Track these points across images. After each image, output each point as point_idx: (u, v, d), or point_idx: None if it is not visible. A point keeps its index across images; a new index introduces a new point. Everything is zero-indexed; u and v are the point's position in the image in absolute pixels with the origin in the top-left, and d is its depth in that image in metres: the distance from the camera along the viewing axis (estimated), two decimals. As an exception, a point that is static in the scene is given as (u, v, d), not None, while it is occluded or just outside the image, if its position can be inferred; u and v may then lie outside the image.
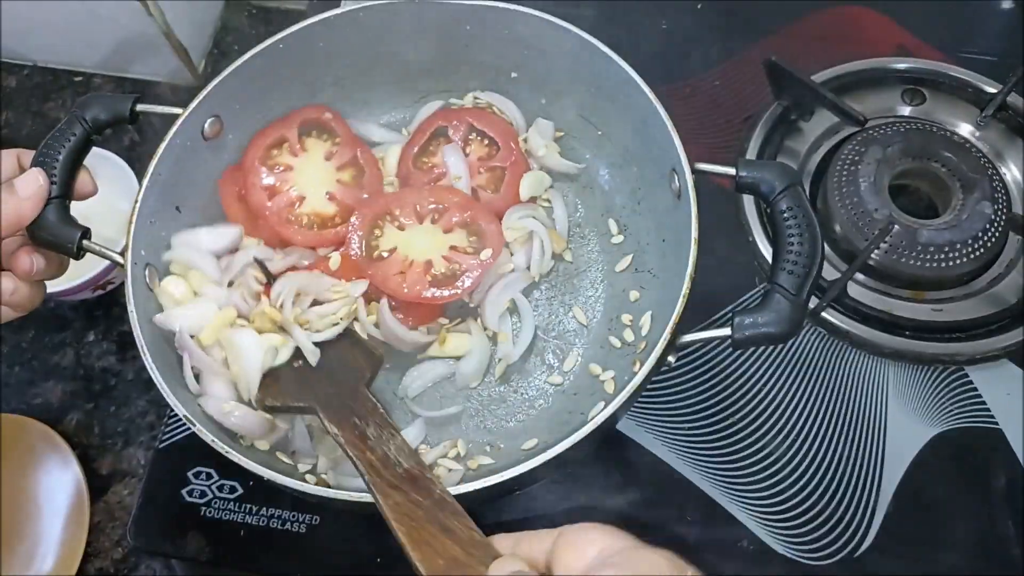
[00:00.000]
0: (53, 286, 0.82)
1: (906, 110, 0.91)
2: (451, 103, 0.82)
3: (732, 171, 0.61)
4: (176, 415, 0.57)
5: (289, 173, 0.75)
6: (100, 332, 0.91)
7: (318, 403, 0.60)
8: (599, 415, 0.57)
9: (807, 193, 0.86)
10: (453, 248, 0.73)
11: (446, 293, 0.71)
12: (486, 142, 0.79)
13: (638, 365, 0.62)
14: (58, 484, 0.81)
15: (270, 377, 0.64)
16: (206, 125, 0.70)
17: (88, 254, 0.63)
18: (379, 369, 0.66)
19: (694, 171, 0.63)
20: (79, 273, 0.82)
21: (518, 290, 0.75)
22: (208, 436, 0.55)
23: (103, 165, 0.87)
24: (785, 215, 0.59)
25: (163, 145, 0.66)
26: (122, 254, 0.63)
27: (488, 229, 0.74)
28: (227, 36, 1.08)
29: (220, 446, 0.55)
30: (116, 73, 1.07)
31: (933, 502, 0.74)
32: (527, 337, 0.74)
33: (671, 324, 0.58)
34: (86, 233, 0.62)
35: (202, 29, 1.06)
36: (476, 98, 0.81)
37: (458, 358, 0.73)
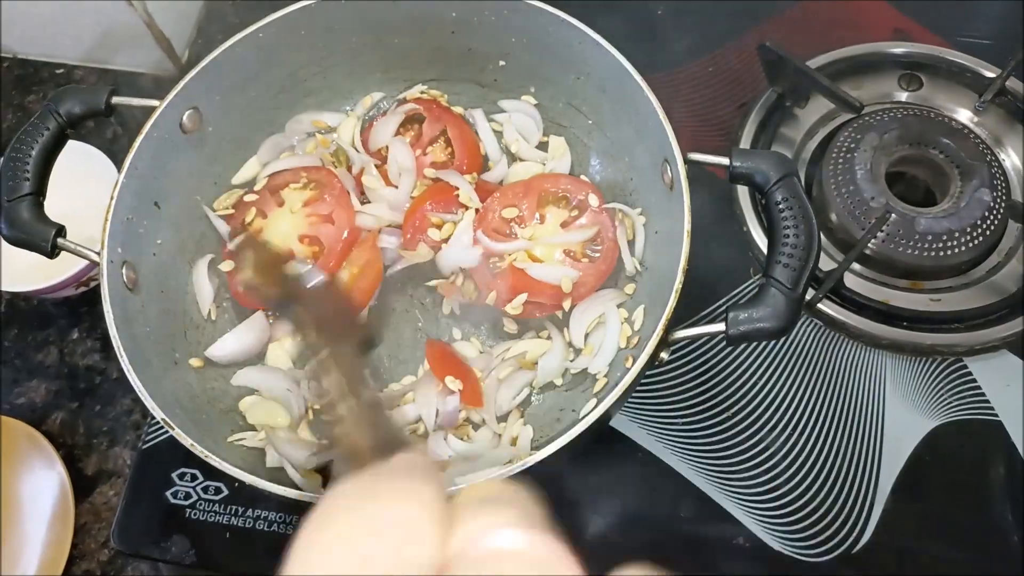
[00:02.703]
0: (36, 283, 0.80)
1: (903, 96, 0.89)
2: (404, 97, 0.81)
3: (726, 161, 0.60)
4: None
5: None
6: (84, 330, 0.89)
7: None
8: (590, 414, 0.56)
9: (803, 182, 0.84)
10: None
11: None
12: (449, 150, 0.79)
13: (630, 361, 0.61)
14: (42, 485, 0.80)
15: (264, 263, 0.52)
16: (184, 118, 0.68)
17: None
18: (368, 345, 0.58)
19: (687, 161, 0.61)
20: (61, 270, 0.80)
21: (614, 303, 0.71)
22: (187, 440, 0.54)
23: (84, 159, 0.86)
24: (780, 206, 0.57)
25: (139, 139, 0.64)
26: (99, 253, 0.61)
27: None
28: (211, 25, 1.06)
29: (200, 450, 0.53)
30: (98, 65, 1.05)
31: (932, 496, 0.72)
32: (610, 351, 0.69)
33: (663, 320, 0.56)
34: (61, 231, 0.61)
35: (185, 18, 1.04)
36: (422, 92, 0.80)
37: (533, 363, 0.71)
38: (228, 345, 0.71)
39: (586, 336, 0.70)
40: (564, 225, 0.73)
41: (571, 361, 0.70)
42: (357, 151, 0.79)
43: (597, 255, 0.72)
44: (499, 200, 0.74)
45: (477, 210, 0.74)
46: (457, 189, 0.74)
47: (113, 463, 0.83)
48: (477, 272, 0.71)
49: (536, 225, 0.73)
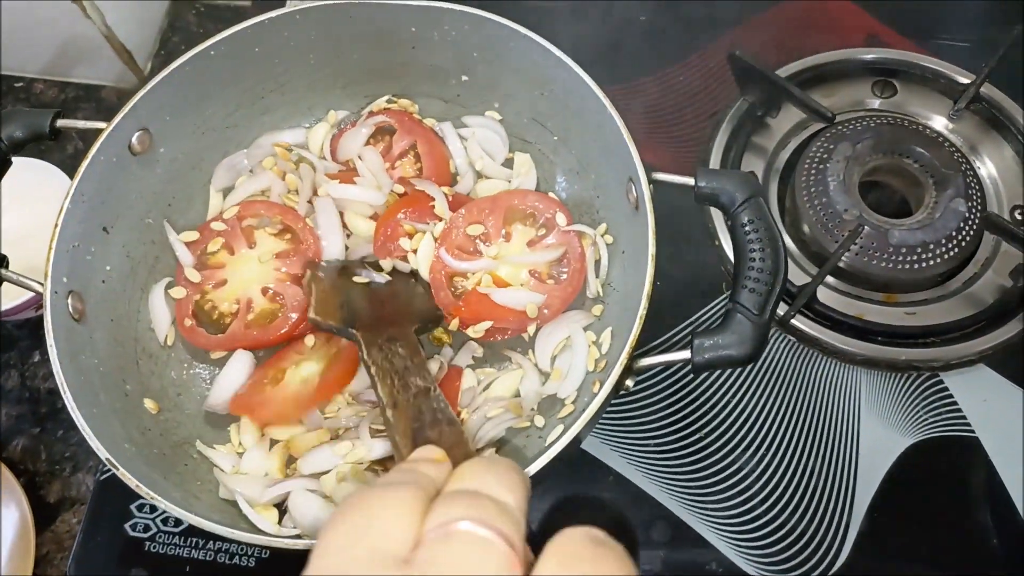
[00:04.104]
0: (-4, 305, 0.78)
1: (876, 103, 0.88)
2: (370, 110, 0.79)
3: (691, 181, 0.58)
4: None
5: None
6: (46, 352, 0.87)
7: (360, 324, 0.63)
8: (557, 442, 0.54)
9: (775, 193, 0.83)
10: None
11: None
12: (417, 165, 0.76)
13: (598, 386, 0.59)
14: (2, 515, 0.78)
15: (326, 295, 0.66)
16: (134, 139, 0.66)
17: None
18: (433, 323, 0.69)
19: (651, 181, 0.60)
20: (21, 292, 0.78)
21: (580, 326, 0.69)
22: (132, 481, 0.52)
23: (42, 178, 0.83)
24: (746, 228, 0.56)
25: (85, 163, 0.62)
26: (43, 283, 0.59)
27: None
28: (174, 36, 1.04)
29: (145, 491, 0.51)
30: (58, 78, 1.02)
31: (909, 516, 0.71)
32: (578, 375, 0.68)
33: (626, 349, 0.54)
34: (2, 261, 0.58)
35: (147, 30, 1.02)
36: (390, 100, 0.78)
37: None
38: (223, 390, 0.68)
39: (553, 359, 0.68)
40: (531, 244, 0.71)
41: (541, 385, 0.68)
42: (325, 160, 0.77)
43: (564, 275, 0.70)
44: (464, 216, 0.72)
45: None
46: (432, 200, 0.72)
47: (76, 490, 0.81)
48: (440, 296, 0.69)
49: (502, 243, 0.71)
